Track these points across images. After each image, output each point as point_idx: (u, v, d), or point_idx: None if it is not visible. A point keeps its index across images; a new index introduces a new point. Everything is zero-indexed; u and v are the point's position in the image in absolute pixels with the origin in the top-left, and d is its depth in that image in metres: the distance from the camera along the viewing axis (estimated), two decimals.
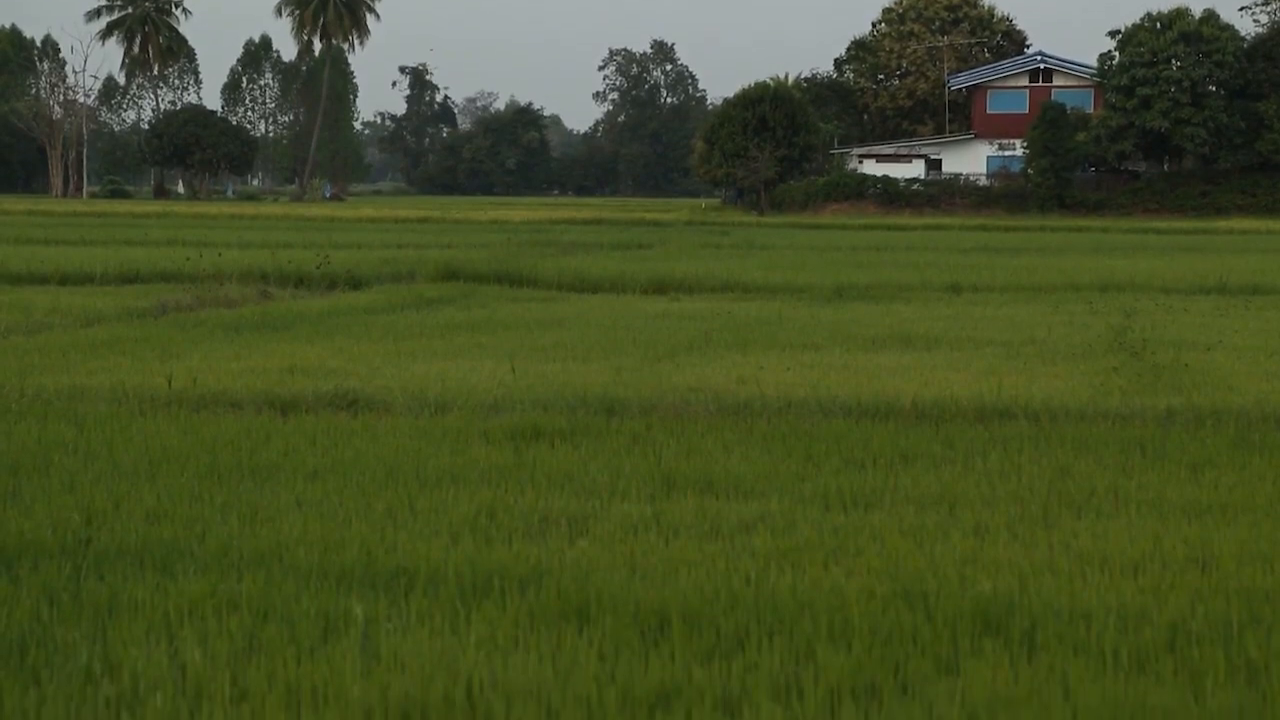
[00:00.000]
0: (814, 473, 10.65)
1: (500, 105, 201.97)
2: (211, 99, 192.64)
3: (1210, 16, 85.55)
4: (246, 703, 5.96)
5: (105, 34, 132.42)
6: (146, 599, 7.25)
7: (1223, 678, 6.29)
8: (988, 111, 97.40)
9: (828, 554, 8.29)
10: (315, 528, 8.77)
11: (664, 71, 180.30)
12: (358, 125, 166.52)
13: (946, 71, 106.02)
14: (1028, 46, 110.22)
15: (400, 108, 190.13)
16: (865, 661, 6.40)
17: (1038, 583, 7.62)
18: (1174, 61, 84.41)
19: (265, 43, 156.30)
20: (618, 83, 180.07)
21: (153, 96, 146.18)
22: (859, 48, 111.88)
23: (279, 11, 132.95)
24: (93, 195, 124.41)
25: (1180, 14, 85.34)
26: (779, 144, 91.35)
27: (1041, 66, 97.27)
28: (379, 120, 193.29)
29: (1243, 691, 6.13)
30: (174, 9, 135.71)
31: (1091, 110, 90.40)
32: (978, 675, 6.25)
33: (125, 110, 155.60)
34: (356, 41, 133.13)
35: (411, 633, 6.80)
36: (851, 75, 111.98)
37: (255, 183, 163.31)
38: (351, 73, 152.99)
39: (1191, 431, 12.42)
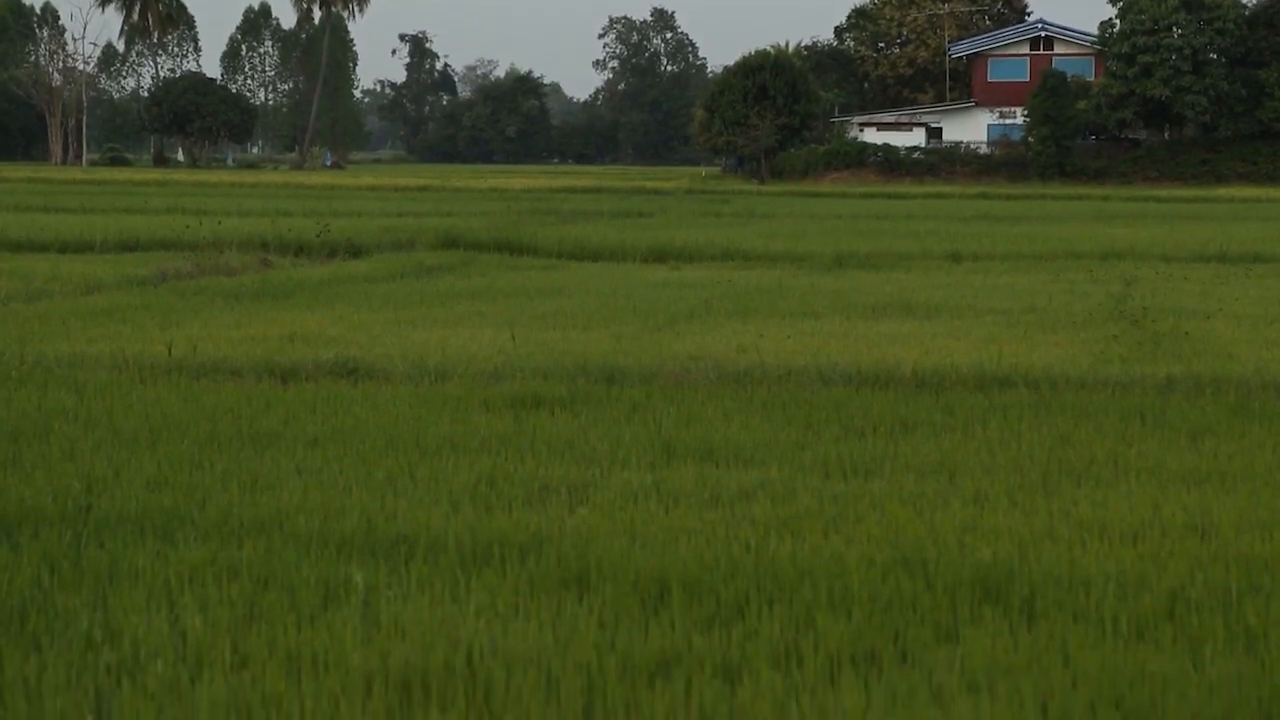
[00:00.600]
0: (814, 441, 10.66)
1: (500, 73, 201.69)
2: (211, 67, 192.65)
3: None
4: (247, 669, 5.97)
5: (104, 1, 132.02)
6: (147, 566, 7.26)
7: (1221, 645, 6.30)
8: (988, 79, 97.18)
9: (827, 522, 8.29)
10: (315, 495, 8.78)
11: (664, 39, 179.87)
12: (357, 93, 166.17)
13: (947, 39, 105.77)
14: (1028, 14, 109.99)
15: (400, 76, 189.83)
16: (865, 629, 6.41)
17: (1037, 550, 7.63)
18: (1175, 29, 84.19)
19: (264, 10, 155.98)
20: (618, 51, 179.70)
21: (152, 64, 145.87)
22: (859, 15, 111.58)
23: None
24: (92, 163, 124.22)
25: None
26: (779, 112, 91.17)
27: (1042, 34, 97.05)
28: (379, 88, 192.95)
29: (1241, 659, 6.14)
30: None
31: (1092, 78, 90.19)
32: (977, 643, 6.26)
33: (124, 78, 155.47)
34: (356, 9, 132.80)
35: (412, 600, 6.81)
36: (852, 43, 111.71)
37: (255, 151, 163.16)
38: (351, 40, 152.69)
39: (1191, 399, 12.43)
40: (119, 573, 7.19)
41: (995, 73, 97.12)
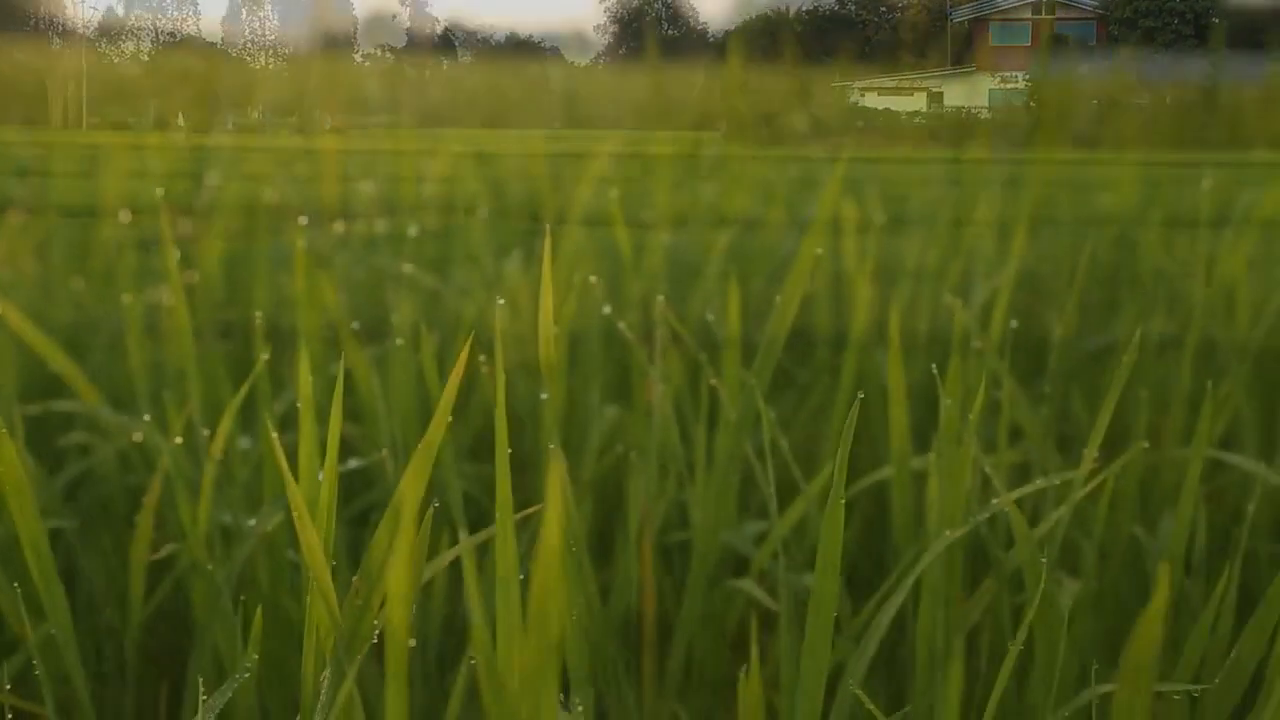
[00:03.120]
0: None
1: (500, 38, 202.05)
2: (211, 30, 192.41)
3: None
4: None
5: None
6: None
7: None
8: (991, 44, 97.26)
9: None
10: None
11: (664, 4, 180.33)
12: (357, 57, 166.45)
13: (949, 3, 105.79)
14: None
15: (400, 39, 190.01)
16: None
17: None
18: None
19: None
20: (618, 15, 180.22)
21: (152, 28, 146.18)
22: None
23: None
24: (92, 127, 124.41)
25: None
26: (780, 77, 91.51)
27: None
28: (378, 53, 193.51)
29: None
30: None
31: (1095, 43, 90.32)
32: None
33: (124, 42, 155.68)
34: None
35: None
36: (853, 7, 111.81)
37: (255, 115, 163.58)
38: (351, 4, 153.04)
39: None
40: None
41: (997, 37, 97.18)
